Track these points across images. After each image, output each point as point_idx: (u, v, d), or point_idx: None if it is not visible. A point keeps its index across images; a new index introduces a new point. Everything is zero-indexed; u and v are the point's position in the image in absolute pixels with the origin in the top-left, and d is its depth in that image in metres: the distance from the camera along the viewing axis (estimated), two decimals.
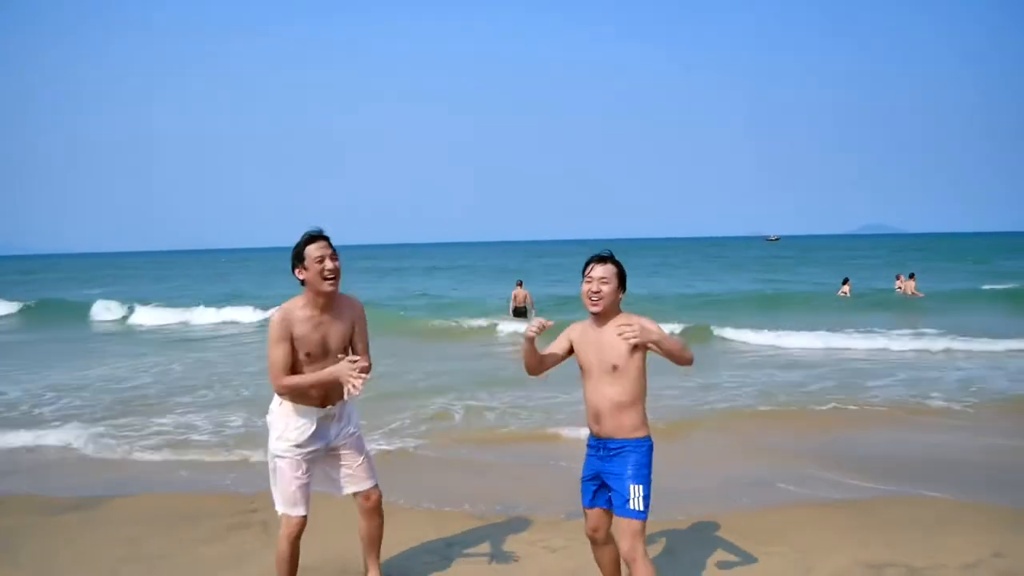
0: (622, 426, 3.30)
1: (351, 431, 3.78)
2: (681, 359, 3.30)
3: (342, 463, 3.78)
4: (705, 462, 6.71)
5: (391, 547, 4.58)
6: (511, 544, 4.64)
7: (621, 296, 3.37)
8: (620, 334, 3.18)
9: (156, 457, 7.13)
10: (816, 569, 4.16)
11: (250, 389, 10.26)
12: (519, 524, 4.98)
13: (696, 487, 5.89)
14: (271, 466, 3.68)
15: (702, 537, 4.71)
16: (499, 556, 4.46)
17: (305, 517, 3.65)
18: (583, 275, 3.38)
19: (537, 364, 3.41)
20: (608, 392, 3.29)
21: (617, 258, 3.40)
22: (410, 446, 7.43)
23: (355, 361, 3.43)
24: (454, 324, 19.13)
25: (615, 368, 3.27)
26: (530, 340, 3.28)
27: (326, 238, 3.57)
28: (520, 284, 19.28)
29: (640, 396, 3.34)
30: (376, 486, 3.86)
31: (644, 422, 3.35)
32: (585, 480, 3.47)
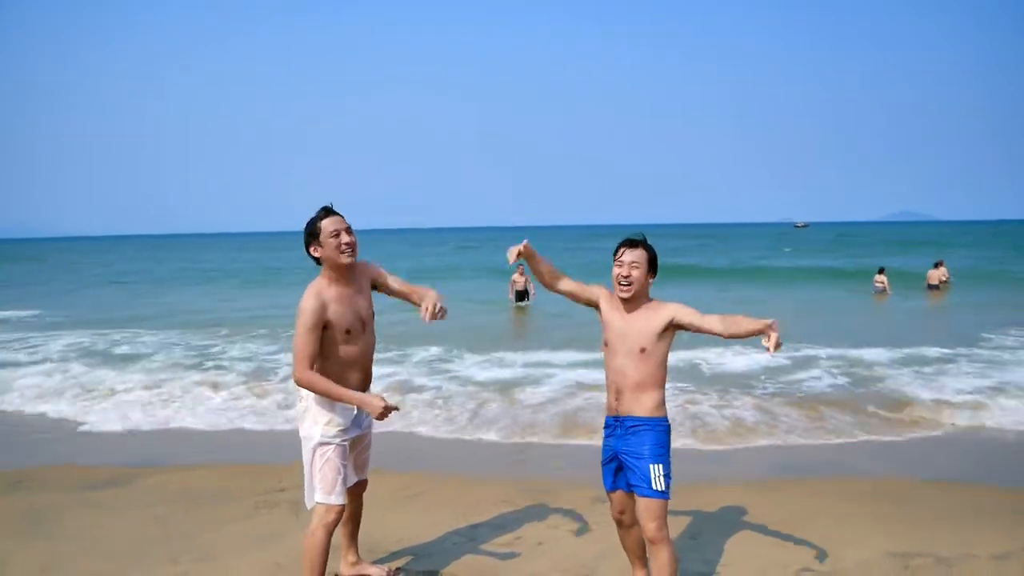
0: (642, 404, 3.32)
1: (371, 420, 3.77)
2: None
3: (358, 451, 3.78)
4: (730, 446, 6.68)
5: (417, 530, 4.63)
6: (536, 528, 4.65)
7: (651, 281, 3.38)
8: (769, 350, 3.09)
9: (187, 426, 7.32)
10: (841, 558, 4.12)
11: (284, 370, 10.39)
12: (544, 508, 4.99)
13: (720, 472, 5.86)
14: (315, 454, 3.48)
15: (725, 522, 4.70)
16: (524, 540, 4.48)
17: (344, 505, 3.52)
18: (614, 258, 3.39)
19: (546, 274, 3.48)
20: (631, 373, 3.31)
21: (649, 242, 3.39)
22: (431, 430, 7.50)
23: (385, 403, 3.41)
24: None
25: (643, 351, 3.29)
26: (525, 256, 3.36)
27: (339, 213, 3.52)
28: (521, 270, 19.06)
29: (662, 380, 3.37)
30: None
31: (663, 404, 3.38)
32: (604, 464, 3.49)
